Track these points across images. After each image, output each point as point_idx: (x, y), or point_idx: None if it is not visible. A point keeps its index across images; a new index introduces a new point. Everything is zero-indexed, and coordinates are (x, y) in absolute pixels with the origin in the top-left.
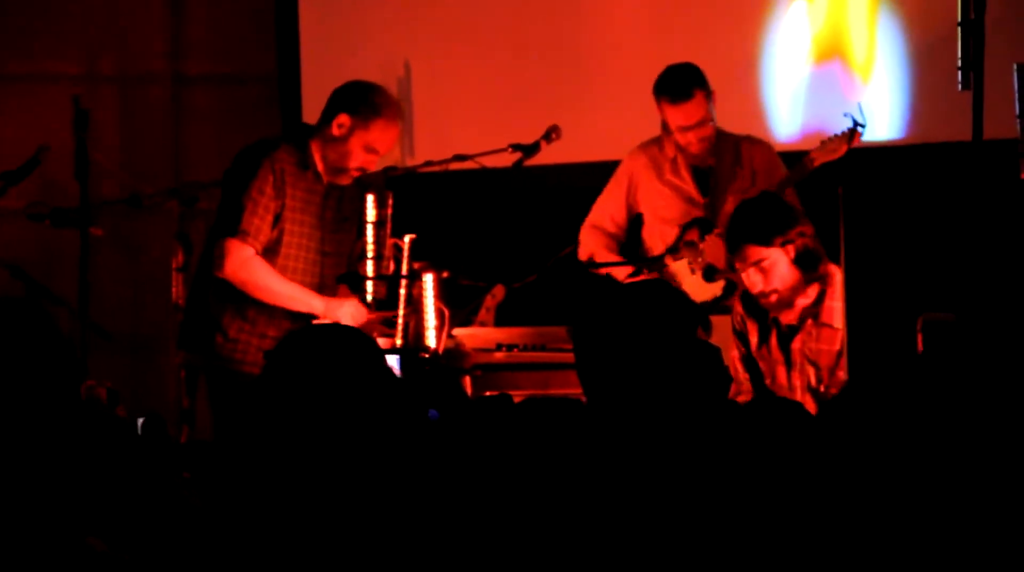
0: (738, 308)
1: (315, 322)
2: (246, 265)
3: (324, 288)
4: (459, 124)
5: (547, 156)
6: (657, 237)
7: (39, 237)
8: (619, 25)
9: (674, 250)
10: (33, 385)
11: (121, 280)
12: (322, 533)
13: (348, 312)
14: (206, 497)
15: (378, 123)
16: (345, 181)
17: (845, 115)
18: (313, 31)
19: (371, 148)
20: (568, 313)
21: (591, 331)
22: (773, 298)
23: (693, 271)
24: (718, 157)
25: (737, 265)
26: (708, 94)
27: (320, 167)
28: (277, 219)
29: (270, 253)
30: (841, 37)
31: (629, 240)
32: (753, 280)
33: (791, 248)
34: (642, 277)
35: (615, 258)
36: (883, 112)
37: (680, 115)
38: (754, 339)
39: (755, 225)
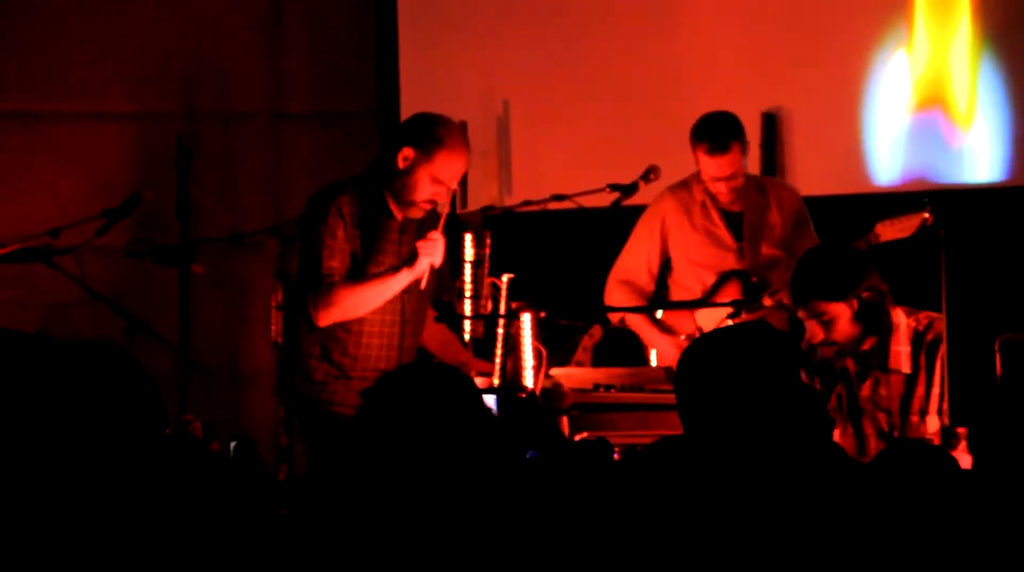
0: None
1: (406, 273)
2: (329, 302)
3: (406, 323)
4: (557, 163)
5: (645, 196)
6: (692, 281)
7: (141, 274)
8: (718, 68)
9: (705, 300)
10: (118, 427)
11: (221, 317)
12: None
13: (431, 251)
14: (302, 534)
15: (441, 154)
16: (417, 214)
17: (924, 201)
18: (413, 69)
19: (437, 179)
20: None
21: (692, 372)
22: (829, 351)
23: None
24: (746, 201)
25: (799, 314)
26: (744, 146)
27: (390, 203)
28: (354, 259)
29: None
30: (942, 84)
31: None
32: (814, 331)
33: (855, 302)
34: (742, 318)
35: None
36: (984, 155)
37: (715, 166)
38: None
39: (825, 280)
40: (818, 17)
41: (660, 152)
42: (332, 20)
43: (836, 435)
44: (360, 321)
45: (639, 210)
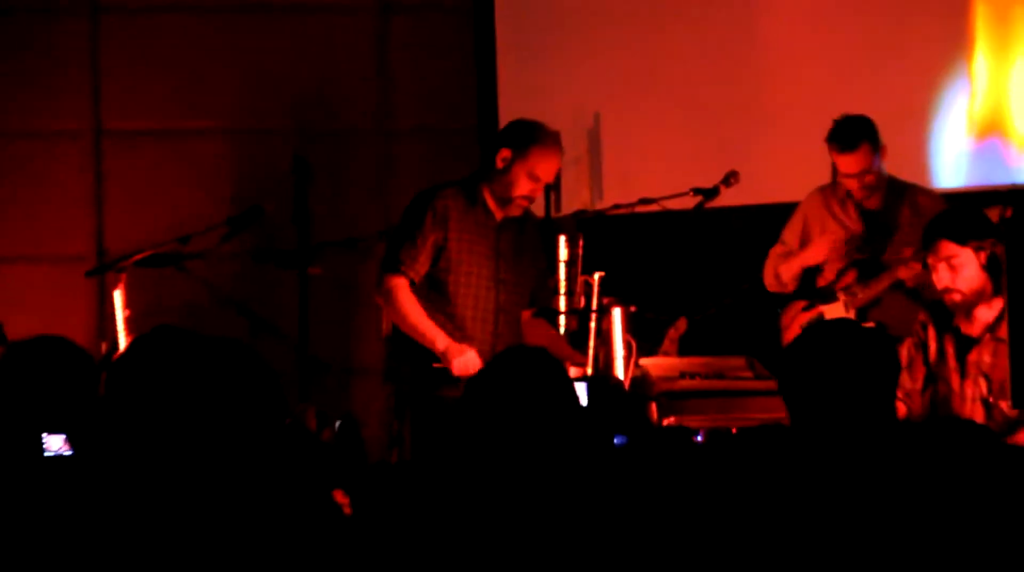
0: (921, 316)
1: (436, 365)
2: (390, 294)
3: (501, 312)
4: (645, 169)
5: (726, 199)
6: (829, 272)
7: (263, 277)
8: (797, 74)
9: (829, 292)
10: (243, 417)
11: (336, 315)
12: (507, 556)
13: (463, 361)
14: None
15: (535, 151)
16: (515, 211)
17: (1003, 200)
18: (510, 87)
19: (533, 175)
20: (745, 343)
21: (799, 359)
22: (957, 297)
23: (847, 311)
24: (887, 203)
25: (929, 259)
26: (876, 147)
27: (490, 202)
28: (441, 250)
29: (441, 280)
30: (1002, 110)
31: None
32: (941, 276)
33: (983, 254)
34: (816, 310)
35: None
36: None
37: (845, 163)
38: (933, 345)
39: (954, 223)
40: (888, 32)
41: (741, 157)
42: (435, 43)
43: (941, 389)
44: (459, 306)
45: (720, 212)
